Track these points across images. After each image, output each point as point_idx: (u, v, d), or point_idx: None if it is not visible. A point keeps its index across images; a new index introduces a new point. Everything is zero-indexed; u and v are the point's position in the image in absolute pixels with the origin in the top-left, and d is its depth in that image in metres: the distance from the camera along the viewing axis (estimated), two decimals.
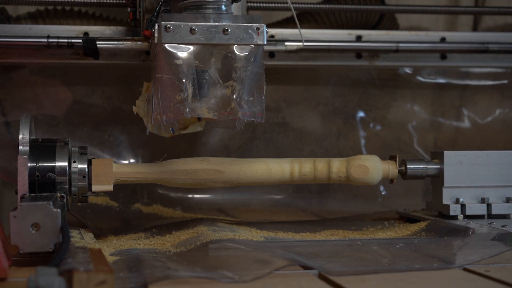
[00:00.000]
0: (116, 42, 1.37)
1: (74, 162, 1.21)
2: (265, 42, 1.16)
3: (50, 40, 1.43)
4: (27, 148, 1.18)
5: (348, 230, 1.36)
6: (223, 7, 1.18)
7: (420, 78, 1.82)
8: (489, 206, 1.36)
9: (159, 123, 1.16)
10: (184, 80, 1.13)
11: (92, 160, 1.23)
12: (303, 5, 1.59)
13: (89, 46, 1.34)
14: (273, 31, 1.57)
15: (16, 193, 1.17)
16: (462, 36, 1.65)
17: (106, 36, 1.43)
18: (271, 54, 1.58)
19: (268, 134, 1.77)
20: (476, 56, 1.65)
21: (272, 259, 1.02)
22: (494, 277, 0.96)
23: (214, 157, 1.30)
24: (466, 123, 1.84)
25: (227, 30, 1.14)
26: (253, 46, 1.16)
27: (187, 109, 1.14)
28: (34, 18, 1.58)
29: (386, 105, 1.82)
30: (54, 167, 1.19)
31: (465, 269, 1.02)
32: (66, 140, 1.23)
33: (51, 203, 1.02)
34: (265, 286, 0.91)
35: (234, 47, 1.16)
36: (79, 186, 1.21)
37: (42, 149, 1.20)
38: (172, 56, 1.14)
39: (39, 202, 1.03)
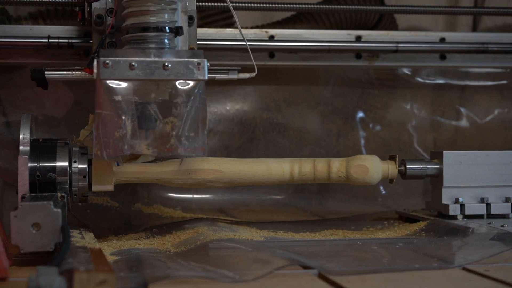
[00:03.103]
0: (65, 73, 1.28)
1: (75, 162, 1.21)
2: (206, 78, 1.14)
3: (50, 40, 1.43)
4: (28, 148, 1.18)
5: (348, 230, 1.36)
6: (166, 41, 1.17)
7: (419, 79, 1.82)
8: (488, 206, 1.36)
9: (100, 158, 1.15)
10: (123, 117, 1.12)
11: (93, 160, 1.23)
12: (303, 5, 1.59)
13: (37, 76, 1.26)
14: (273, 31, 1.57)
15: (17, 193, 1.17)
16: (462, 36, 1.65)
17: (54, 67, 1.38)
18: (271, 54, 1.58)
19: (268, 134, 1.77)
20: (476, 57, 1.65)
21: (272, 258, 1.02)
22: (493, 277, 0.96)
23: (214, 157, 1.31)
24: (465, 123, 1.84)
25: (167, 65, 1.12)
26: (193, 81, 1.14)
27: (126, 146, 1.12)
28: (35, 18, 1.58)
29: (385, 105, 1.82)
30: (54, 167, 1.19)
31: (465, 269, 1.02)
32: (66, 140, 1.23)
33: (52, 203, 1.02)
34: (265, 286, 0.91)
35: (175, 82, 1.14)
36: (80, 186, 1.21)
37: (43, 149, 1.20)
38: (111, 92, 1.12)
39: (39, 202, 1.03)
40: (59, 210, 1.02)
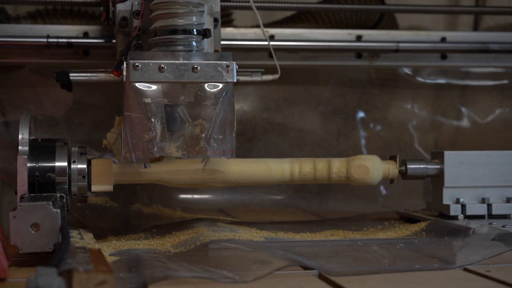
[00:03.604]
0: (89, 74, 1.29)
1: (74, 162, 1.21)
2: (234, 80, 1.15)
3: (49, 40, 1.43)
4: (27, 148, 1.18)
5: (348, 230, 1.36)
6: (194, 43, 1.17)
7: (420, 78, 1.82)
8: (489, 206, 1.36)
9: (129, 161, 1.15)
10: (152, 119, 1.13)
11: (92, 160, 1.23)
12: (303, 5, 1.59)
13: (61, 78, 1.27)
14: (273, 31, 1.57)
15: (16, 193, 1.17)
16: (463, 36, 1.65)
17: (78, 69, 1.33)
18: (271, 54, 1.57)
19: (268, 134, 1.77)
20: (477, 56, 1.65)
21: (272, 259, 1.02)
22: (494, 277, 0.96)
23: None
24: (466, 123, 1.84)
25: (196, 68, 1.13)
26: (223, 84, 1.15)
27: (156, 148, 1.13)
28: (34, 18, 1.58)
29: (386, 105, 1.82)
30: (53, 167, 1.19)
31: (466, 269, 1.02)
32: (65, 140, 1.23)
33: (51, 203, 1.02)
34: (265, 286, 0.91)
35: (204, 85, 1.15)
36: (79, 186, 1.21)
37: (42, 149, 1.19)
38: (140, 94, 1.12)
39: (38, 202, 1.02)
40: (58, 210, 1.02)
